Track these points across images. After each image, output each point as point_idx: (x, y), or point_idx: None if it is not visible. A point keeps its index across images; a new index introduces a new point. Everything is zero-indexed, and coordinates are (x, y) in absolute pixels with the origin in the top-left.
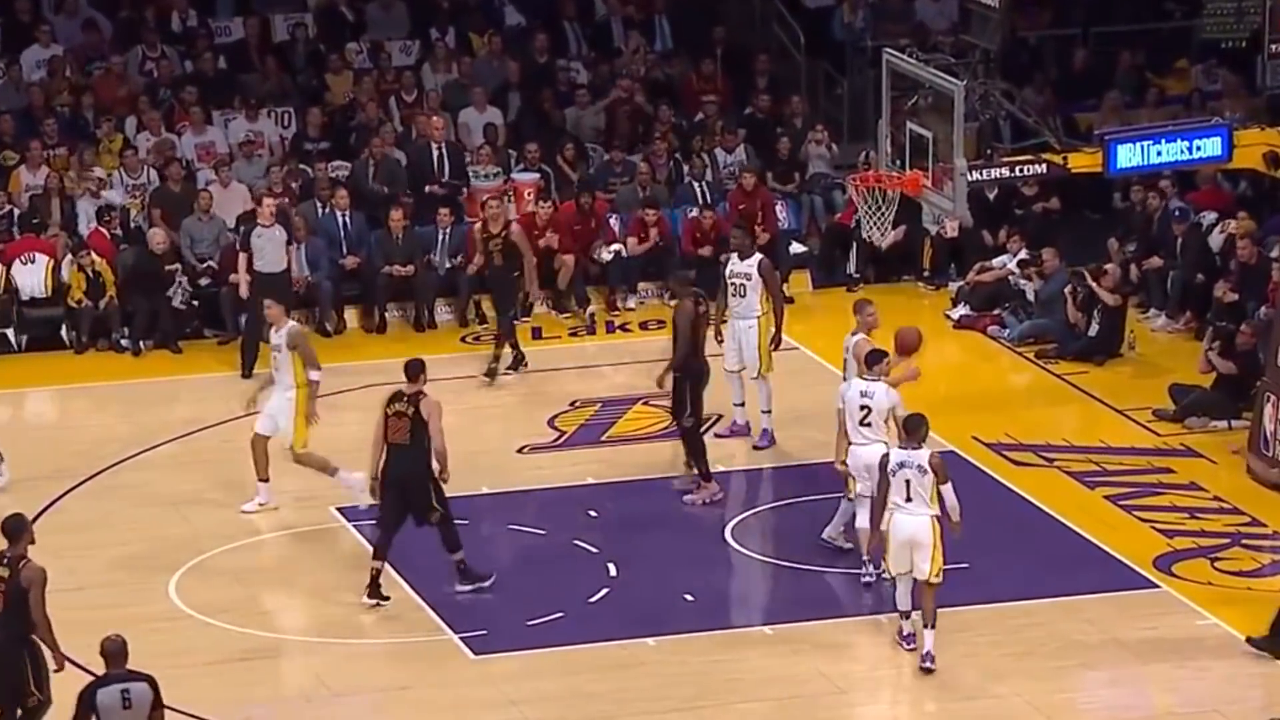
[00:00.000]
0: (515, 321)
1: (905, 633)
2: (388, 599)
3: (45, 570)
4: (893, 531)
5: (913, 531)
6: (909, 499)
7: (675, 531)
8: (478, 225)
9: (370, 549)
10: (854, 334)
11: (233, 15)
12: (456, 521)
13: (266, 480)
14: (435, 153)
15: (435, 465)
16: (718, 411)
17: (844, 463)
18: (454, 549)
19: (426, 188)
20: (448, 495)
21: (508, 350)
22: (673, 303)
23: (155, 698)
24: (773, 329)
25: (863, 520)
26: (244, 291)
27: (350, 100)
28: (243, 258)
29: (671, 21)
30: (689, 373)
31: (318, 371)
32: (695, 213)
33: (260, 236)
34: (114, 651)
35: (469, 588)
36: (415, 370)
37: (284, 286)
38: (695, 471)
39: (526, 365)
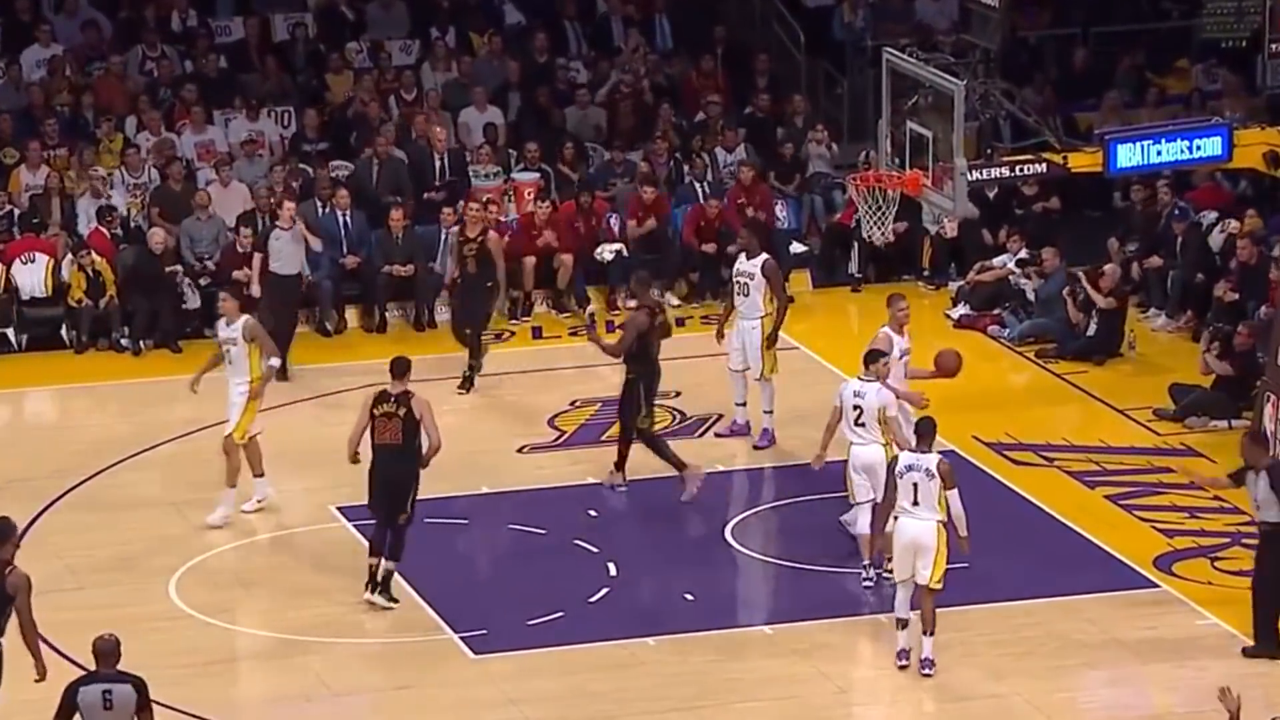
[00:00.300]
0: (517, 320)
1: (900, 647)
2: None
3: (30, 576)
4: (897, 535)
5: (916, 535)
6: (915, 503)
7: (675, 531)
8: (455, 230)
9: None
10: (884, 327)
11: (233, 15)
12: (456, 521)
13: (262, 475)
14: (438, 162)
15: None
16: (718, 411)
17: (820, 458)
18: (394, 558)
19: (425, 195)
20: (452, 496)
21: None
22: (632, 303)
23: (141, 700)
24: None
25: (863, 525)
26: (255, 291)
27: (349, 99)
28: (258, 258)
29: (672, 21)
30: (642, 376)
31: (276, 359)
32: (700, 200)
33: (279, 239)
34: (104, 651)
35: (381, 601)
36: (403, 369)
37: (298, 289)
38: (622, 476)
39: (474, 387)
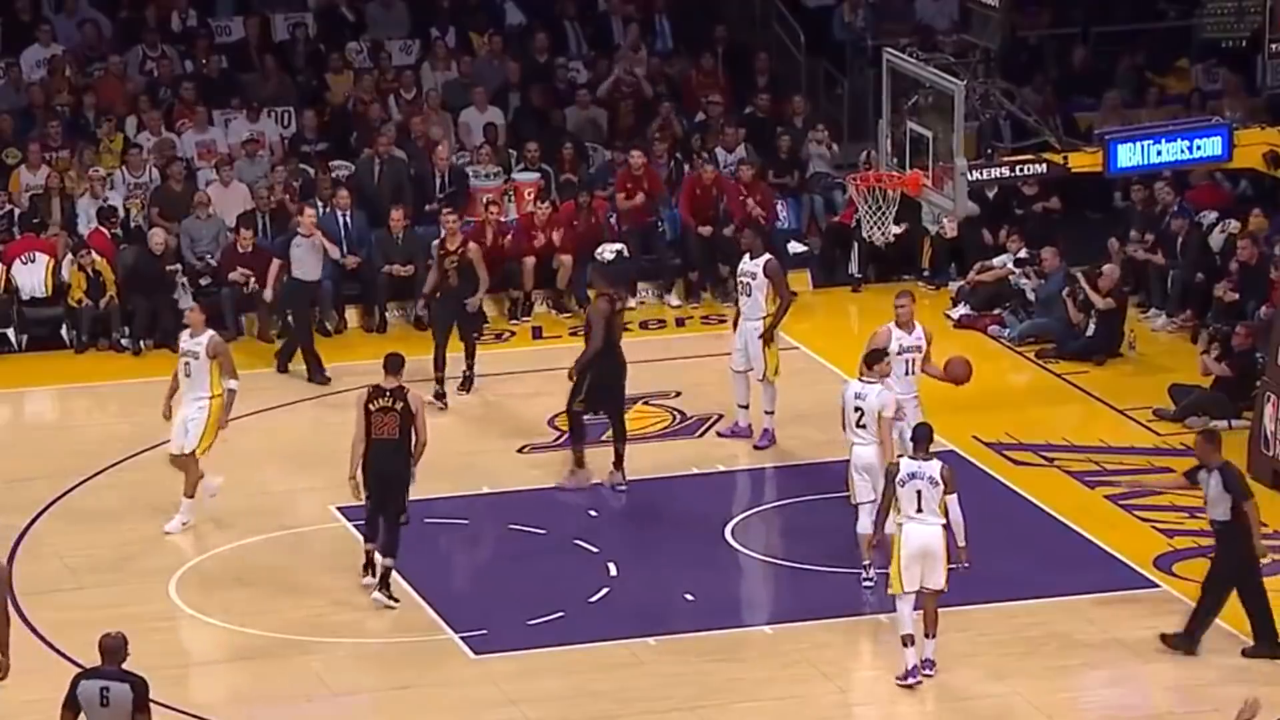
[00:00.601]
0: (517, 321)
1: (911, 665)
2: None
3: (9, 570)
4: (904, 542)
5: (925, 541)
6: (919, 510)
7: (675, 531)
8: (435, 241)
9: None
10: (889, 323)
11: (233, 15)
12: (456, 521)
13: (193, 497)
14: (439, 180)
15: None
16: (718, 411)
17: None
18: (390, 554)
19: (427, 207)
20: (452, 496)
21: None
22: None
23: (138, 701)
24: (776, 329)
25: (863, 525)
26: (268, 295)
27: (349, 99)
28: (276, 264)
29: (672, 21)
30: (592, 365)
31: (235, 381)
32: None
33: (300, 246)
34: (108, 648)
35: (384, 598)
36: (396, 365)
37: (317, 294)
38: (622, 474)
39: (445, 406)
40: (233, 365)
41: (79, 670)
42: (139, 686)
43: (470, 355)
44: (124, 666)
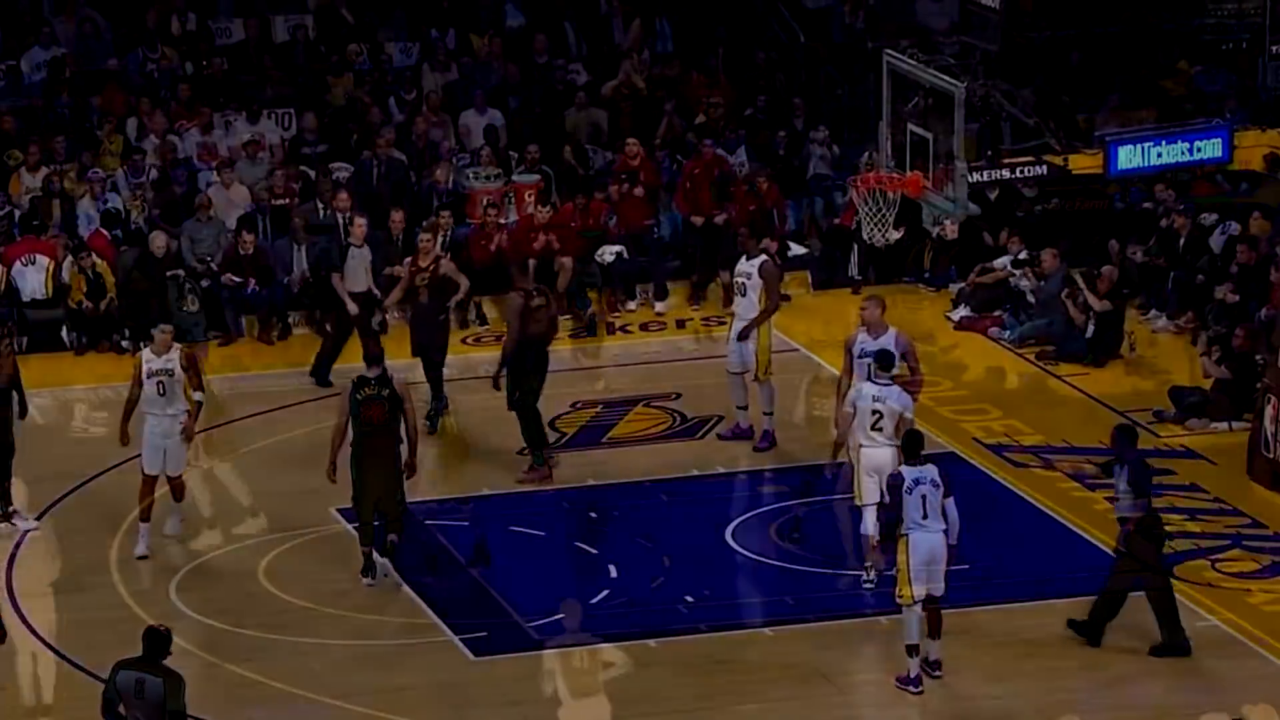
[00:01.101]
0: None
1: (913, 674)
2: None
3: None
4: (913, 550)
5: (932, 548)
6: (926, 515)
7: (675, 532)
8: (407, 260)
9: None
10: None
11: (233, 16)
12: (456, 523)
13: (148, 521)
14: (436, 201)
15: (404, 454)
16: (718, 412)
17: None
18: (397, 530)
19: (424, 222)
20: (452, 496)
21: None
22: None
23: (167, 698)
24: (768, 330)
25: (866, 526)
26: (353, 309)
27: (350, 101)
28: (336, 279)
29: (672, 22)
30: (516, 361)
31: (202, 394)
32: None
33: (354, 258)
34: (149, 640)
35: (389, 570)
36: (377, 356)
37: (369, 303)
38: (537, 454)
39: (449, 411)
40: (201, 379)
41: (121, 658)
42: (173, 684)
43: (437, 386)
44: (165, 662)
